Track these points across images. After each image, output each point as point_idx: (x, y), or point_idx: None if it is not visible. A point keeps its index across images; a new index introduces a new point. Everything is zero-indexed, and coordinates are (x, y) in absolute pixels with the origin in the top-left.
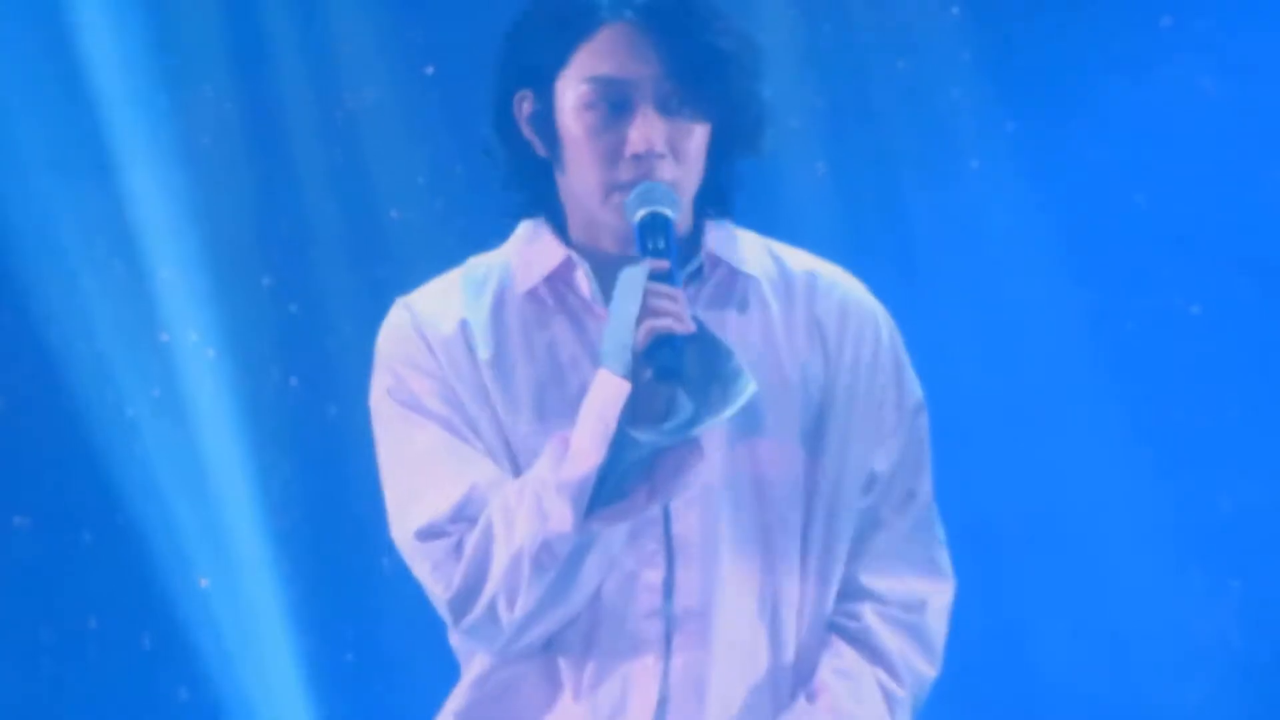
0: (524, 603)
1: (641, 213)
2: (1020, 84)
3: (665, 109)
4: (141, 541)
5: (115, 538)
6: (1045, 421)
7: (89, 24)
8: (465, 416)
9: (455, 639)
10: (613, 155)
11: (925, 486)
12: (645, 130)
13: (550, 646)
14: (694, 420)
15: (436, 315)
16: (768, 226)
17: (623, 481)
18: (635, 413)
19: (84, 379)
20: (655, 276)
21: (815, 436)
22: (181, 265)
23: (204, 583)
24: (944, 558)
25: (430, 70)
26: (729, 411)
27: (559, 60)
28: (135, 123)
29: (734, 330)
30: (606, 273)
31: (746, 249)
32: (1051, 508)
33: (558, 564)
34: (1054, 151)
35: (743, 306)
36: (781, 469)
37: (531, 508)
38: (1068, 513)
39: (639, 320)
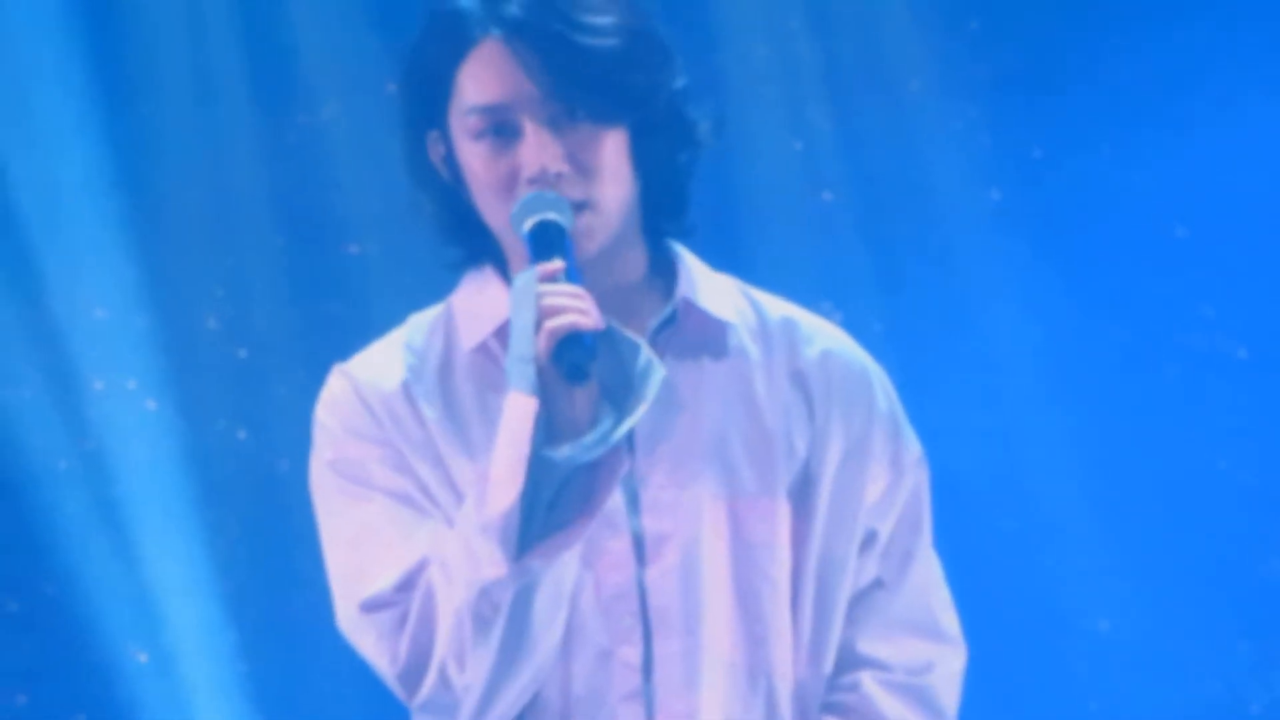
0: (475, 664)
1: (529, 223)
2: (1046, 104)
3: (556, 125)
4: (74, 611)
5: (45, 607)
6: (1081, 472)
7: (13, 38)
8: (417, 482)
9: None
10: (510, 184)
11: (926, 546)
12: (536, 151)
13: None
14: (613, 427)
15: (377, 378)
16: (769, 261)
17: (554, 510)
18: (554, 430)
19: (9, 431)
20: (551, 281)
21: (803, 493)
22: (117, 304)
23: (143, 657)
24: (951, 621)
25: (393, 88)
26: (642, 409)
27: (445, 91)
28: (65, 144)
29: (710, 380)
30: None
31: (722, 293)
32: (1089, 569)
33: (501, 614)
34: (1084, 180)
35: (719, 354)
36: (767, 528)
37: (462, 555)
38: (1106, 575)
39: (537, 326)
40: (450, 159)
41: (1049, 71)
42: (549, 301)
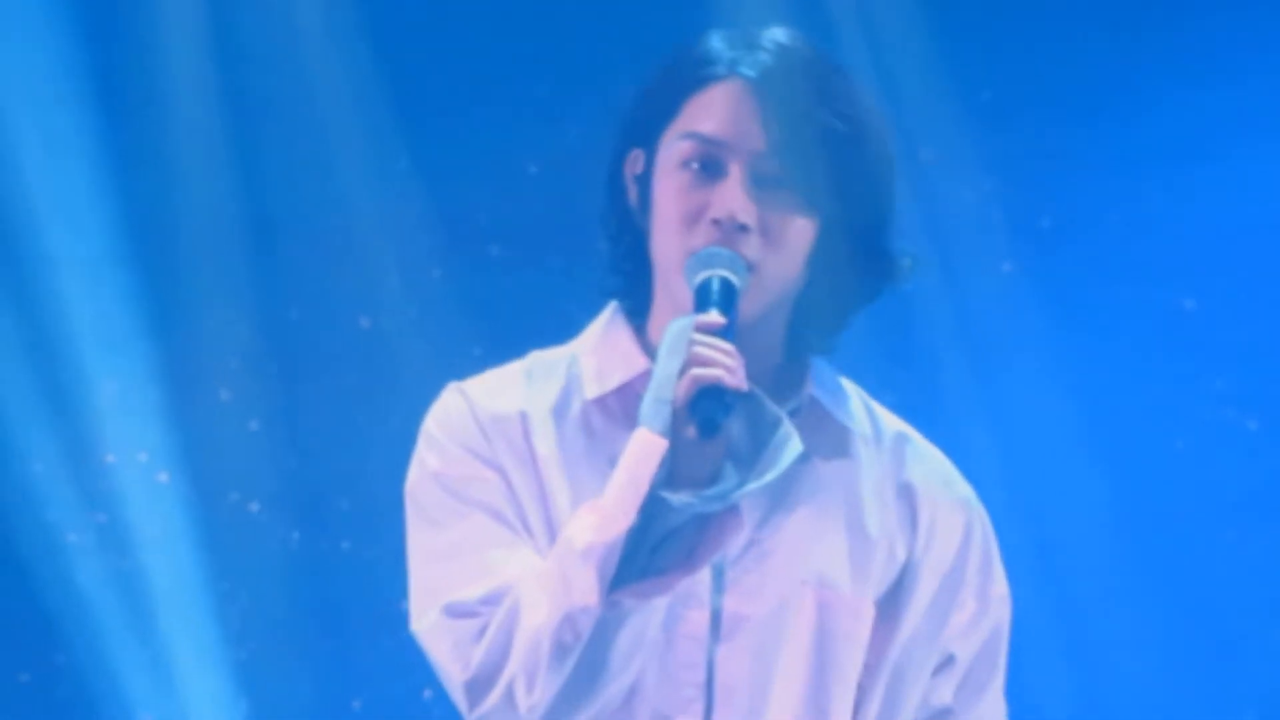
0: (544, 688)
1: (701, 276)
2: (1057, 175)
3: (759, 181)
4: (84, 682)
5: (56, 678)
6: (1094, 542)
7: (29, 111)
8: (517, 509)
9: None
10: (694, 218)
11: (998, 683)
12: (730, 196)
13: None
14: (736, 486)
15: (494, 403)
16: None
17: (657, 554)
18: (675, 476)
19: (21, 504)
20: (707, 332)
21: (891, 602)
22: (129, 377)
23: None
24: None
25: (405, 165)
26: (772, 475)
27: (668, 114)
28: (78, 219)
29: (820, 478)
30: None
31: (845, 398)
32: (1106, 640)
33: (580, 643)
34: (1094, 250)
35: (832, 455)
36: (850, 625)
37: (555, 578)
38: (1122, 646)
39: (682, 372)
40: (643, 179)
41: (1059, 142)
42: (700, 351)
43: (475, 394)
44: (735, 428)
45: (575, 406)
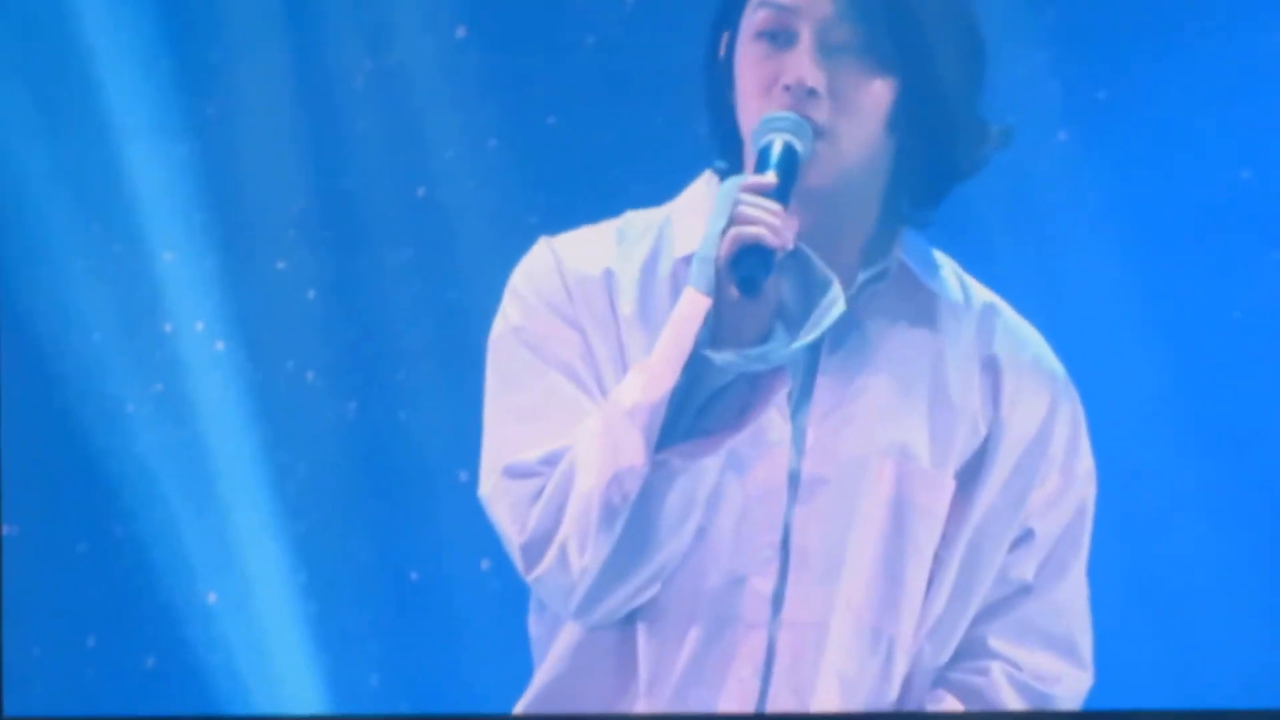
0: (595, 550)
1: (764, 140)
2: (1113, 45)
3: (828, 47)
4: (142, 552)
5: (114, 548)
6: (1142, 426)
7: None
8: (593, 369)
9: (535, 626)
10: (768, 85)
11: (1080, 565)
12: (799, 62)
13: (637, 634)
14: (781, 346)
15: (581, 261)
16: None
17: (703, 415)
18: (719, 336)
19: (78, 373)
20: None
21: (971, 474)
22: (187, 247)
23: (212, 597)
24: (1086, 645)
25: (462, 32)
26: (813, 336)
27: None
28: (134, 89)
29: (906, 344)
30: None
31: (936, 266)
32: (1158, 504)
33: (627, 504)
34: (1150, 121)
35: (919, 321)
36: (929, 496)
37: (603, 439)
38: (1169, 518)
39: (725, 230)
40: (729, 56)
41: (1114, 12)
42: (743, 210)
43: (564, 251)
44: (786, 289)
45: (665, 266)
